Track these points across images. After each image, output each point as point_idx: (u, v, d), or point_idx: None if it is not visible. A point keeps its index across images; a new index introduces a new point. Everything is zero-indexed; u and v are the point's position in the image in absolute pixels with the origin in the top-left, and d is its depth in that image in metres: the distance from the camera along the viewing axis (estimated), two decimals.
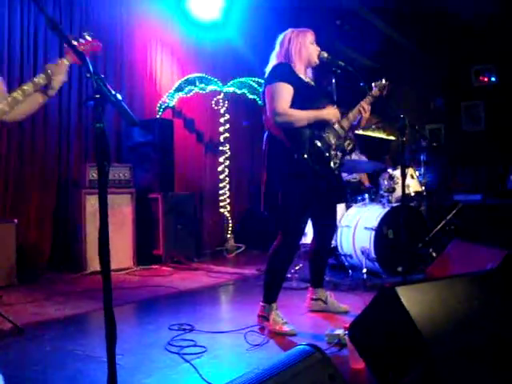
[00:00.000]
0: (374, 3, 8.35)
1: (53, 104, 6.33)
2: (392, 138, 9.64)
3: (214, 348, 3.27)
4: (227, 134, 7.89)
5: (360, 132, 7.36)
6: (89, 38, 2.87)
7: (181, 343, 3.35)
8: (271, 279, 3.77)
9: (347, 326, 2.67)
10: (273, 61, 3.86)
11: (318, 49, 3.87)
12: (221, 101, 7.87)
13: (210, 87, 7.68)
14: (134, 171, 6.50)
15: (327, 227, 4.10)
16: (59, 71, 2.77)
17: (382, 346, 2.37)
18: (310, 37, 3.85)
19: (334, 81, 4.14)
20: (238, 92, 7.86)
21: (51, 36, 6.27)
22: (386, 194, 5.83)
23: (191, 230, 6.97)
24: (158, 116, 7.35)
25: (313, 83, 3.91)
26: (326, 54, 3.88)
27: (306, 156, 3.59)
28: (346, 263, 5.69)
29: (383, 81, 3.99)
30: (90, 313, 4.27)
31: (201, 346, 3.27)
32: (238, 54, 8.27)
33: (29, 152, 6.15)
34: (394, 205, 5.63)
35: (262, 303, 3.76)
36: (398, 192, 5.80)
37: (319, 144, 3.67)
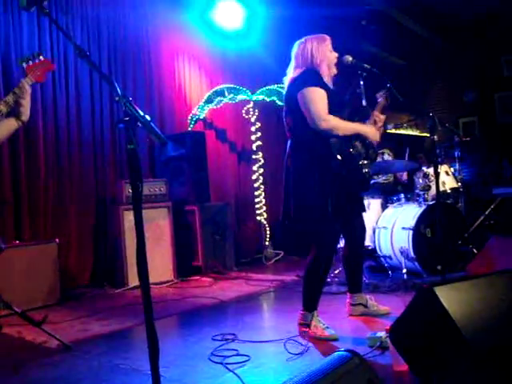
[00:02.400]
0: (397, 1, 8.31)
1: (86, 123, 6.48)
2: (425, 134, 9.55)
3: (257, 357, 3.29)
4: (259, 142, 7.93)
5: (392, 131, 7.32)
6: (42, 58, 2.84)
7: (224, 353, 3.38)
8: (311, 288, 3.76)
9: (388, 328, 2.66)
10: (293, 70, 3.81)
11: (336, 55, 3.85)
12: (251, 110, 7.91)
13: (240, 97, 7.74)
14: (170, 185, 6.58)
15: (357, 232, 4.08)
16: (24, 92, 2.75)
17: (423, 347, 2.37)
18: (329, 44, 3.83)
19: (361, 83, 4.12)
20: (268, 100, 7.90)
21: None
22: (421, 193, 5.79)
23: (229, 239, 7.02)
24: (189, 129, 7.44)
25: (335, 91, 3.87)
26: (350, 58, 3.88)
27: (339, 158, 3.54)
28: (386, 264, 5.67)
29: (384, 90, 4.01)
30: (133, 327, 4.32)
31: (244, 355, 3.30)
32: (263, 62, 8.30)
33: (66, 172, 6.28)
34: (431, 203, 5.58)
35: (301, 311, 3.76)
36: (434, 190, 5.75)
37: (353, 152, 3.66)
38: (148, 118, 1.80)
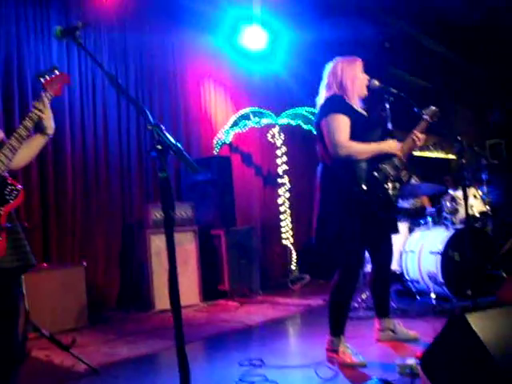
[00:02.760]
0: (420, 22, 8.31)
1: (114, 147, 6.57)
2: (451, 156, 9.47)
3: (286, 382, 3.27)
4: (285, 166, 7.95)
5: (417, 153, 7.28)
6: (57, 73, 2.84)
7: (252, 378, 3.36)
8: (336, 312, 3.74)
9: (418, 355, 2.63)
10: (324, 91, 3.85)
11: (367, 77, 3.87)
12: (276, 133, 7.95)
13: (265, 120, 7.79)
14: (196, 209, 6.61)
15: (384, 257, 4.04)
16: (45, 105, 2.73)
17: (455, 375, 2.33)
18: (359, 66, 3.84)
19: (387, 107, 4.11)
20: (293, 123, 7.93)
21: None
22: (449, 216, 5.73)
23: (255, 263, 7.01)
24: (215, 153, 7.50)
25: (365, 113, 3.89)
26: (377, 82, 3.88)
27: (364, 187, 3.55)
28: (413, 289, 5.60)
29: (432, 107, 3.97)
30: (161, 351, 4.33)
31: (272, 381, 3.27)
32: (287, 85, 8.36)
33: (93, 195, 6.37)
34: (459, 227, 5.52)
35: (329, 336, 3.72)
36: (462, 213, 5.70)
37: (377, 175, 3.64)
38: (180, 146, 1.82)
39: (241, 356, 3.89)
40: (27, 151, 2.73)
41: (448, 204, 5.84)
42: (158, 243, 6.07)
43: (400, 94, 3.87)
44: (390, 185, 3.69)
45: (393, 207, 3.78)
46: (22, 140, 2.56)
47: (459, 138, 3.76)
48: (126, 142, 6.76)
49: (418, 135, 3.86)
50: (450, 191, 5.90)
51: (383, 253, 4.03)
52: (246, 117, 7.67)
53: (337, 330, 3.69)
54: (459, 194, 5.71)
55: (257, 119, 7.71)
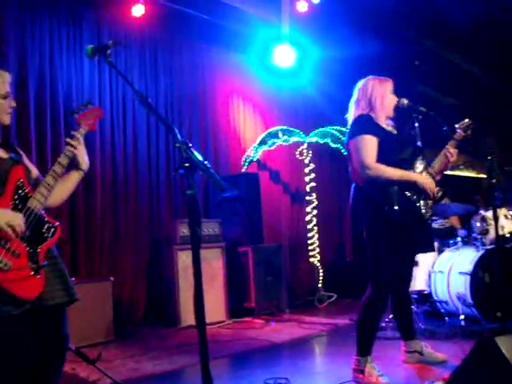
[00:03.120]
0: (448, 39, 8.27)
1: (142, 163, 6.65)
2: (482, 176, 9.35)
3: None
4: (313, 184, 7.93)
5: (448, 172, 7.21)
6: (91, 107, 2.81)
7: None
8: (364, 332, 3.71)
9: (446, 377, 2.59)
10: (353, 108, 3.87)
11: (396, 98, 3.86)
12: (304, 151, 7.95)
13: (293, 138, 7.80)
14: (223, 225, 6.62)
15: (405, 278, 3.97)
16: (78, 143, 2.66)
17: None
18: (389, 86, 3.86)
19: (416, 125, 4.09)
20: (321, 142, 7.92)
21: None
22: (479, 237, 5.65)
23: (281, 281, 6.98)
24: (243, 170, 7.53)
25: (395, 131, 3.89)
26: (406, 101, 3.87)
27: (396, 208, 3.53)
28: (442, 310, 5.52)
29: (466, 120, 3.93)
30: (185, 367, 4.34)
31: None
32: (316, 104, 8.37)
33: (122, 211, 6.43)
34: (489, 247, 5.44)
35: (355, 356, 3.68)
36: (492, 234, 5.61)
37: (409, 194, 3.62)
38: (208, 164, 1.83)
39: (266, 374, 3.87)
40: (63, 188, 2.69)
41: (478, 224, 5.76)
42: (184, 259, 6.09)
43: (429, 112, 3.85)
44: (422, 203, 3.65)
45: (426, 225, 3.74)
46: (57, 177, 2.53)
47: (490, 157, 3.72)
48: (155, 158, 6.82)
49: (451, 150, 3.83)
50: (481, 211, 5.82)
51: (404, 275, 3.95)
52: (274, 135, 7.69)
53: (364, 350, 3.65)
54: (490, 214, 5.63)
55: (285, 137, 7.73)
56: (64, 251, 5.73)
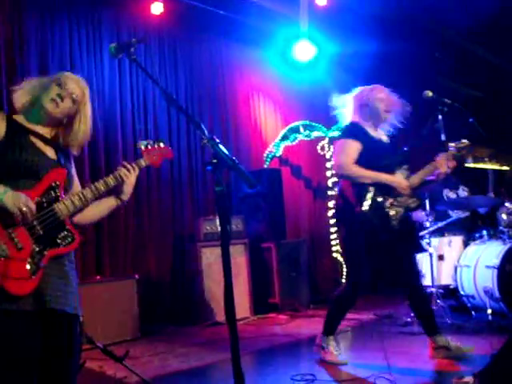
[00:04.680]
0: (471, 30, 8.16)
1: (165, 161, 6.63)
2: (506, 168, 9.21)
3: None
4: (335, 179, 7.89)
5: (471, 165, 7.14)
6: (162, 145, 2.70)
7: None
8: (331, 316, 4.15)
9: (476, 373, 2.55)
10: (347, 115, 4.11)
11: (393, 101, 3.99)
12: (326, 146, 7.91)
13: (315, 133, 7.77)
14: (246, 222, 6.62)
15: (412, 277, 4.03)
16: (133, 171, 2.54)
17: None
18: (381, 93, 4.00)
19: (440, 118, 4.07)
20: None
21: (159, 95, 6.65)
22: (505, 230, 5.57)
23: (305, 276, 6.97)
24: (265, 166, 7.51)
25: (385, 139, 4.05)
26: (430, 93, 3.87)
27: (364, 209, 3.75)
28: (469, 304, 5.46)
29: (463, 140, 4.00)
30: (212, 364, 4.34)
31: None
32: None
33: (145, 209, 6.46)
34: None
35: (321, 334, 4.12)
36: None
37: (380, 200, 3.78)
38: (236, 160, 1.81)
39: (292, 370, 3.87)
40: (95, 210, 2.55)
41: (504, 217, 5.68)
42: (208, 256, 6.10)
43: (454, 104, 3.83)
44: (392, 211, 3.80)
45: (392, 231, 3.83)
46: (96, 194, 2.42)
47: None
48: (177, 155, 6.83)
49: (442, 163, 3.91)
50: (507, 204, 5.75)
51: (409, 273, 4.03)
52: (296, 130, 7.68)
53: (328, 331, 4.10)
54: None
55: (307, 132, 7.70)
56: (89, 251, 5.80)
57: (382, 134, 4.04)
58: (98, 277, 5.58)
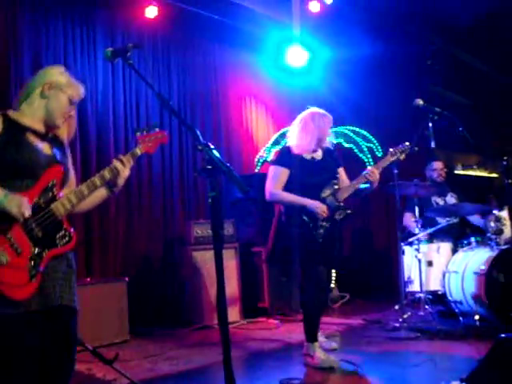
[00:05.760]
0: (461, 38, 8.23)
1: (156, 162, 6.67)
2: (494, 175, 9.28)
3: None
4: None
5: (460, 172, 7.20)
6: (157, 130, 2.68)
7: None
8: (308, 322, 4.28)
9: (463, 378, 2.59)
10: (289, 135, 4.47)
11: (329, 133, 4.42)
12: None
13: None
14: (237, 226, 6.63)
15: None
16: (128, 163, 2.56)
17: None
18: (321, 120, 4.31)
19: (430, 125, 4.12)
20: (334, 142, 7.89)
21: (152, 97, 6.68)
22: (493, 237, 5.62)
23: (295, 281, 6.97)
24: (256, 171, 7.54)
25: (319, 157, 4.32)
26: (421, 102, 3.92)
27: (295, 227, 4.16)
28: (457, 310, 5.50)
29: (406, 143, 4.20)
30: (201, 367, 4.35)
31: None
32: (328, 104, 8.33)
33: (136, 212, 6.47)
34: (504, 247, 5.42)
35: (305, 343, 4.21)
36: (507, 233, 5.60)
37: (306, 218, 4.09)
38: (229, 166, 1.84)
39: (280, 375, 3.89)
40: (89, 201, 2.57)
41: (492, 224, 5.73)
42: (199, 260, 6.11)
43: (444, 112, 3.88)
44: (318, 224, 4.10)
45: (316, 244, 4.13)
46: (93, 188, 2.46)
47: (506, 158, 3.73)
48: (169, 159, 6.85)
49: (374, 171, 4.14)
50: (495, 211, 5.80)
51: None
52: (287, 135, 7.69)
53: (310, 337, 4.18)
54: (504, 214, 5.62)
55: None
56: (79, 252, 5.78)
57: (316, 155, 4.32)
58: (88, 279, 5.56)
